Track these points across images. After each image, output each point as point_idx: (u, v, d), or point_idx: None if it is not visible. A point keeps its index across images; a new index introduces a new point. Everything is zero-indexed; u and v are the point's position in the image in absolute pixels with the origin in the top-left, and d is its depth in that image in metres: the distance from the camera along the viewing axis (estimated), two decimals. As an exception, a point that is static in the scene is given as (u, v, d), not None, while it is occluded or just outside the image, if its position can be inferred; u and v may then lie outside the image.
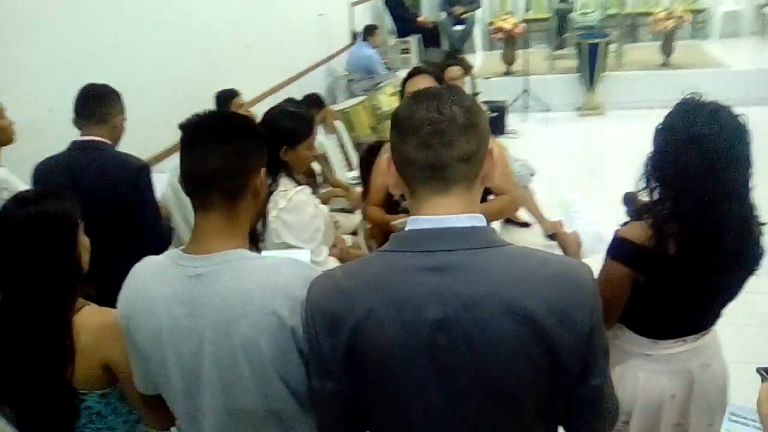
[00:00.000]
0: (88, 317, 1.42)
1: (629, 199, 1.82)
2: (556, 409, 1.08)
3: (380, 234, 2.61)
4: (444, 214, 1.02)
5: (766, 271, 1.61)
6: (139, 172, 2.40)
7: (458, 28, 8.85)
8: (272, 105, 2.67)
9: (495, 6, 9.66)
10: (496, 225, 3.04)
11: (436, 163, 1.01)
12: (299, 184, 2.19)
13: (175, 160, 3.71)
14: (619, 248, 1.56)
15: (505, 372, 0.99)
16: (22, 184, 2.23)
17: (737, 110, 1.50)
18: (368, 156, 3.03)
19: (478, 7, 9.02)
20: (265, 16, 5.43)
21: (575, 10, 8.14)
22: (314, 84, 6.13)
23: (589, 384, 1.05)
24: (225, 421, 1.25)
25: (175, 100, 3.88)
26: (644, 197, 1.61)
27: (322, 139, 4.46)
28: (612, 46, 7.63)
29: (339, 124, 5.37)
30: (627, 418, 1.68)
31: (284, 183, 2.14)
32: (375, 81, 6.68)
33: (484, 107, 4.25)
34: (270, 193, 2.10)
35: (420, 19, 8.88)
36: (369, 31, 7.20)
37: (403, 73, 2.79)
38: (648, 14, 8.21)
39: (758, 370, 1.18)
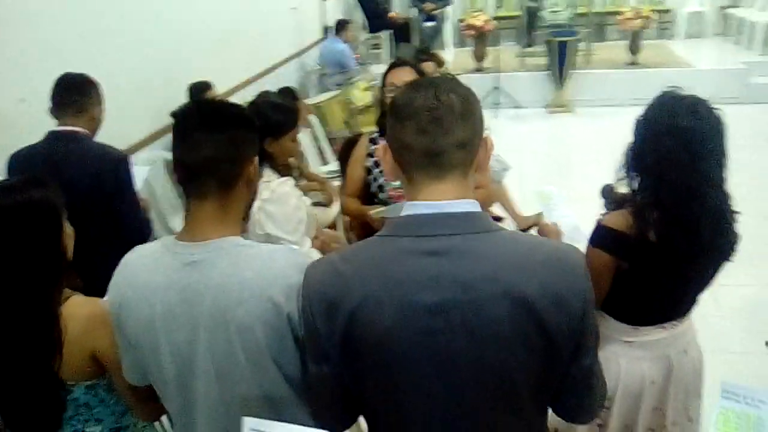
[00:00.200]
0: (76, 307, 1.39)
1: (607, 192, 1.86)
2: (549, 391, 1.10)
3: (359, 226, 2.61)
4: (440, 199, 1.04)
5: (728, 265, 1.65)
6: (118, 163, 2.36)
7: (429, 24, 8.90)
8: (244, 98, 2.65)
9: (466, 3, 9.77)
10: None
11: (434, 148, 1.03)
12: (282, 175, 2.18)
13: (147, 152, 3.69)
14: (602, 236, 1.60)
15: (501, 354, 1.01)
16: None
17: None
18: (348, 149, 3.03)
19: (448, 4, 9.09)
20: (237, 9, 5.38)
21: (545, 8, 8.25)
22: (286, 77, 6.10)
23: (581, 364, 1.07)
24: (219, 410, 1.24)
25: (147, 91, 3.82)
26: (622, 189, 1.66)
27: (297, 133, 4.44)
28: (581, 45, 7.76)
29: (313, 119, 5.36)
30: (609, 403, 1.72)
31: (267, 174, 2.13)
32: (348, 76, 6.68)
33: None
34: (254, 183, 2.08)
35: (391, 14, 8.91)
36: (341, 26, 7.17)
37: (374, 68, 2.80)
38: (616, 13, 8.37)
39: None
